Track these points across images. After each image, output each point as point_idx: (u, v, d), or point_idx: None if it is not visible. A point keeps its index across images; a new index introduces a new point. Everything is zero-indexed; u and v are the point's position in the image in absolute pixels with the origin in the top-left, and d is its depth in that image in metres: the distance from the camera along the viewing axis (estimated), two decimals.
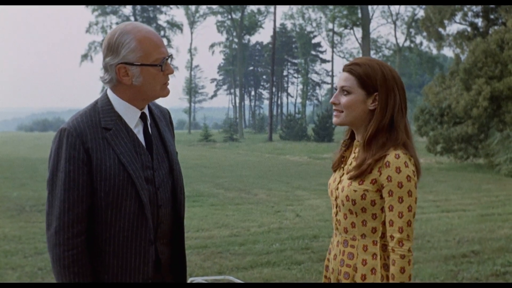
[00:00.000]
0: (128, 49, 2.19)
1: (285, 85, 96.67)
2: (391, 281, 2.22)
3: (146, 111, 2.36)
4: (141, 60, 2.21)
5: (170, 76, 2.32)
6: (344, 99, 2.36)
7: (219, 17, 73.23)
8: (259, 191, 14.79)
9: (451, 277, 6.45)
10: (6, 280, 6.35)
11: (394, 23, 66.52)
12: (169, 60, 2.28)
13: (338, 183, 2.42)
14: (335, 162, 2.51)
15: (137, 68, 2.21)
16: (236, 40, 75.62)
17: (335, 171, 2.52)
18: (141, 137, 2.31)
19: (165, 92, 2.33)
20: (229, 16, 71.35)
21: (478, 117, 20.78)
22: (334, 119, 2.42)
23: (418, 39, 66.58)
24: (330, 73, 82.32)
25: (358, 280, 2.31)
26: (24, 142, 55.46)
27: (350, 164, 2.42)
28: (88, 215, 2.19)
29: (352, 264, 2.33)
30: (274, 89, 70.01)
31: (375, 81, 2.33)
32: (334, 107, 2.41)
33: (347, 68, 2.38)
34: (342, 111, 2.38)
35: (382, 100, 2.33)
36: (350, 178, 2.33)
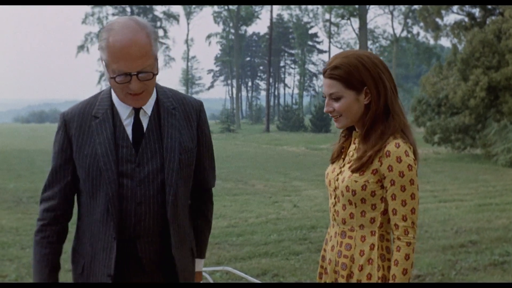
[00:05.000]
0: (101, 48, 2.11)
1: (282, 76, 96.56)
2: (394, 266, 2.21)
3: (146, 105, 2.24)
4: (106, 63, 2.12)
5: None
6: (337, 105, 2.33)
7: (216, 8, 72.98)
8: (257, 182, 14.79)
9: (449, 267, 6.45)
10: (3, 271, 6.33)
11: (391, 13, 66.39)
12: (143, 75, 2.10)
13: (338, 174, 2.40)
14: (334, 153, 2.49)
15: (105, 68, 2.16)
16: (233, 30, 75.45)
17: (333, 162, 2.50)
18: (129, 130, 2.24)
19: (130, 102, 2.20)
20: (226, 7, 71.09)
21: (476, 108, 20.77)
22: (336, 124, 2.40)
23: (415, 29, 66.69)
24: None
25: (356, 270, 2.30)
26: (21, 133, 55.36)
27: (352, 156, 2.40)
28: (65, 195, 2.30)
29: (350, 255, 2.32)
30: (271, 80, 70.00)
31: (360, 77, 2.29)
32: (330, 114, 2.39)
33: (328, 75, 2.33)
34: (341, 115, 2.36)
35: (373, 92, 2.30)
36: (352, 170, 2.31)
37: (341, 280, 2.35)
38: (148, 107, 2.25)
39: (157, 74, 2.16)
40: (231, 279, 5.91)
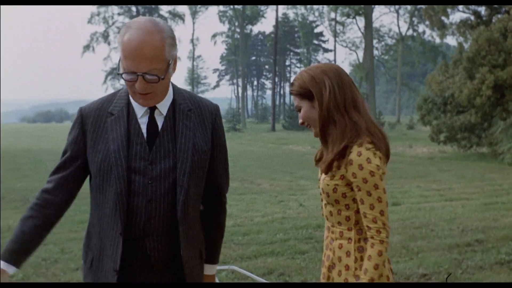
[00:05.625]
0: (118, 43, 2.16)
1: (288, 75, 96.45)
2: (366, 261, 2.34)
3: (161, 105, 2.26)
4: (120, 59, 2.17)
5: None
6: (300, 115, 2.55)
7: (221, 7, 73.01)
8: (262, 181, 14.80)
9: (455, 265, 6.44)
10: None
11: (397, 12, 66.28)
12: (147, 77, 2.13)
13: (320, 175, 2.58)
14: (316, 157, 2.65)
15: None
16: (238, 30, 75.44)
17: (317, 165, 2.66)
18: (144, 128, 2.26)
19: (139, 101, 2.24)
20: (231, 6, 71.09)
21: (482, 106, 20.72)
22: (313, 134, 2.59)
23: (421, 28, 66.44)
24: (333, 63, 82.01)
25: (336, 261, 2.47)
26: (27, 133, 55.55)
27: None
28: (64, 183, 2.35)
29: (332, 247, 2.50)
30: (276, 79, 69.97)
31: (306, 86, 2.46)
32: (305, 125, 2.58)
33: (291, 92, 2.54)
34: (308, 124, 2.55)
35: (318, 98, 2.45)
36: (323, 172, 2.49)
37: (324, 270, 2.54)
38: (163, 108, 2.27)
39: (163, 78, 2.15)
40: (237, 278, 5.93)
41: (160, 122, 2.27)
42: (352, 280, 2.40)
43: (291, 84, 2.53)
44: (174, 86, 2.35)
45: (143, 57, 2.08)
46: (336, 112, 2.42)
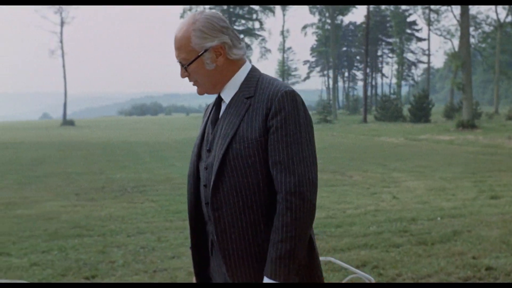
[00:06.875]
0: None
1: (380, 65, 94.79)
2: None
3: (225, 94, 2.32)
4: None
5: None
6: None
7: None
8: (354, 173, 14.62)
9: None
10: (111, 257, 6.62)
11: None
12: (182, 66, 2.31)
13: None
14: None
15: None
16: (328, 21, 74.83)
17: None
18: (214, 117, 2.37)
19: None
20: None
21: None
22: None
23: None
24: (427, 52, 79.80)
25: None
26: (124, 126, 57.69)
27: None
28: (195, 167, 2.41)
29: None
30: (368, 70, 68.91)
31: None
32: None
33: None
34: None
35: None
36: None
37: None
38: (226, 96, 2.31)
39: (186, 67, 2.26)
40: (330, 269, 5.89)
41: (222, 110, 2.33)
42: None
43: None
44: (250, 74, 2.32)
45: (175, 46, 2.28)
46: None
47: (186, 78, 2.32)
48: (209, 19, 2.24)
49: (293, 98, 2.19)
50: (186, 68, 2.27)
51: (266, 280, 2.11)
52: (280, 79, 2.39)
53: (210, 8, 63.91)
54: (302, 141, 2.15)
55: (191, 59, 2.25)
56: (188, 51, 2.23)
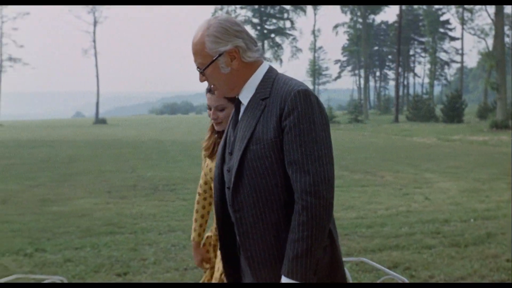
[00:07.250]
0: None
1: (412, 65, 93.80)
2: None
3: (243, 96, 2.32)
4: None
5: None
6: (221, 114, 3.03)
7: None
8: (386, 173, 14.50)
9: None
10: (143, 255, 6.69)
11: None
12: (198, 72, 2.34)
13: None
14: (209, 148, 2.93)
15: None
16: (360, 20, 74.38)
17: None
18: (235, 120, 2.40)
19: None
20: None
21: None
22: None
23: None
24: (460, 51, 78.73)
25: None
26: (155, 124, 58.16)
27: None
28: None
29: None
30: (400, 69, 68.23)
31: None
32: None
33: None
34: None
35: None
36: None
37: None
38: (244, 99, 2.32)
39: (202, 71, 2.28)
40: (361, 270, 5.85)
41: (241, 112, 2.34)
42: None
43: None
44: (266, 76, 2.31)
45: (192, 52, 2.31)
46: None
47: None
48: (222, 24, 2.24)
49: (307, 96, 2.16)
50: (203, 73, 2.30)
51: (283, 279, 2.10)
52: (300, 80, 2.33)
53: (241, 8, 64.13)
54: (317, 140, 2.13)
55: (207, 63, 2.26)
56: (203, 56, 2.26)
